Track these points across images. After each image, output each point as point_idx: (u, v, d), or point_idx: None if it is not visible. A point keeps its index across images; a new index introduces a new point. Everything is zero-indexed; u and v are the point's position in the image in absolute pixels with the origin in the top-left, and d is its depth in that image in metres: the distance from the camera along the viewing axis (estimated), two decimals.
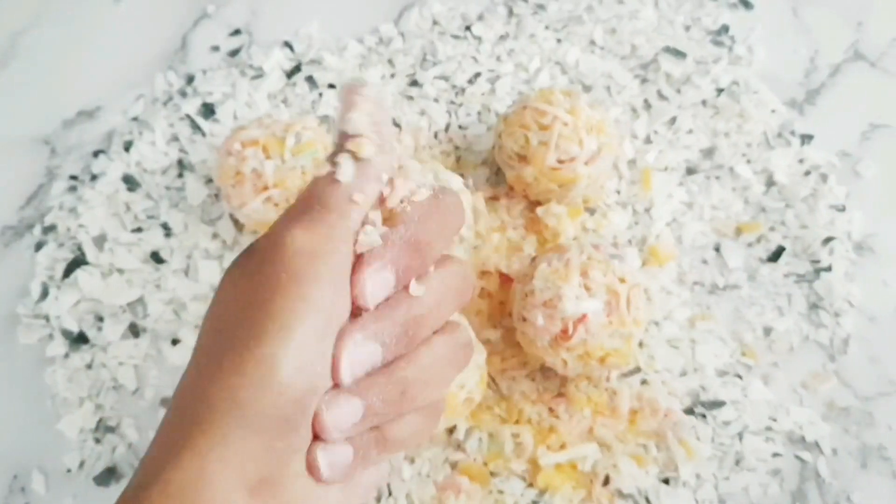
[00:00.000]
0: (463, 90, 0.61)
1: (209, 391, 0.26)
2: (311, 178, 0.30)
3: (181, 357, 0.51)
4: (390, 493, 0.46)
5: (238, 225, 0.55)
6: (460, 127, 0.59)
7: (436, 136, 0.59)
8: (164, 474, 0.25)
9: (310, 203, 0.28)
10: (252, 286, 0.27)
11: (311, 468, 0.27)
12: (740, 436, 0.47)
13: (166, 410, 0.28)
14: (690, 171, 0.57)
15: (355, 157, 0.28)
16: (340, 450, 0.27)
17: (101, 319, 0.52)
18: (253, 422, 0.25)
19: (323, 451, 0.27)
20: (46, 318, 0.53)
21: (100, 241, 0.55)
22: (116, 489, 0.47)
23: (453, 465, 0.47)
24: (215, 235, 0.55)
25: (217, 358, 0.26)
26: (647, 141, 0.58)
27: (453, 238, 0.31)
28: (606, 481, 0.46)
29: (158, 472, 0.25)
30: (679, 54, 0.61)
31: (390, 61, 0.63)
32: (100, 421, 0.50)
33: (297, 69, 0.63)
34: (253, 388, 0.25)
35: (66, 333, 0.52)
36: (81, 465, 0.48)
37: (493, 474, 0.47)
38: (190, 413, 0.26)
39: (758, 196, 0.55)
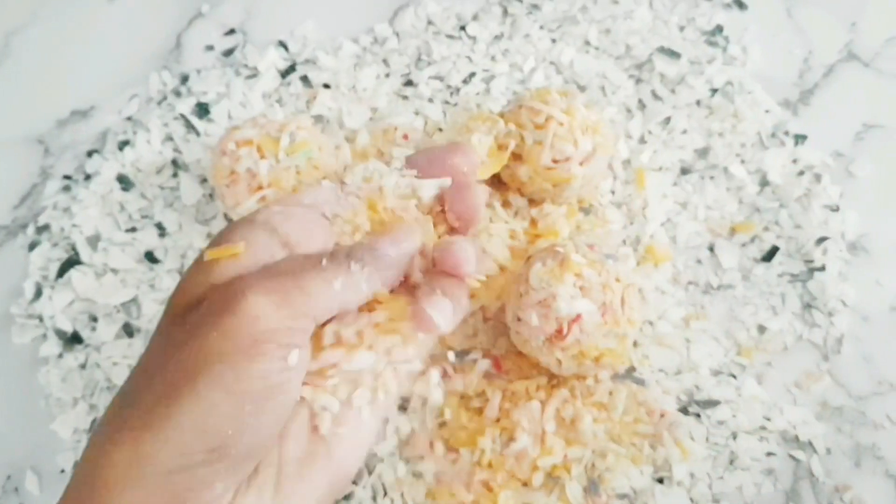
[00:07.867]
0: (458, 90, 0.61)
1: (112, 453, 0.25)
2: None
3: None
4: (385, 493, 0.46)
5: None
6: None
7: (431, 136, 0.59)
8: None
9: (283, 275, 0.27)
10: (187, 341, 0.26)
11: (427, 325, 0.31)
12: (734, 435, 0.47)
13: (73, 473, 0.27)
14: (685, 171, 0.57)
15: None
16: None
17: (94, 319, 0.52)
18: (154, 479, 0.24)
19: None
20: (40, 318, 0.53)
21: (94, 240, 0.55)
22: None
23: None
24: (210, 235, 0.55)
25: (127, 415, 0.26)
26: (642, 141, 0.58)
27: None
28: (601, 481, 0.46)
29: None
30: (673, 54, 0.61)
31: (385, 61, 0.63)
32: (94, 421, 0.49)
33: (291, 69, 0.62)
34: (157, 444, 0.24)
35: (60, 333, 0.52)
36: (76, 465, 0.48)
37: None
38: (91, 477, 0.26)
39: (752, 196, 0.56)
